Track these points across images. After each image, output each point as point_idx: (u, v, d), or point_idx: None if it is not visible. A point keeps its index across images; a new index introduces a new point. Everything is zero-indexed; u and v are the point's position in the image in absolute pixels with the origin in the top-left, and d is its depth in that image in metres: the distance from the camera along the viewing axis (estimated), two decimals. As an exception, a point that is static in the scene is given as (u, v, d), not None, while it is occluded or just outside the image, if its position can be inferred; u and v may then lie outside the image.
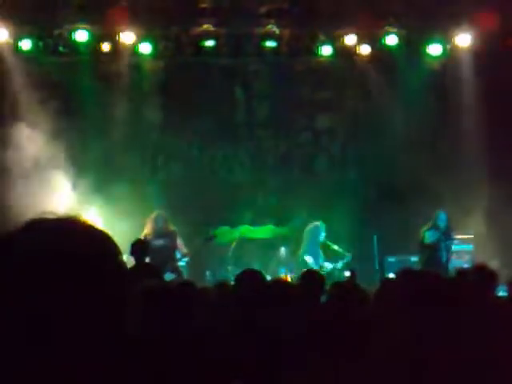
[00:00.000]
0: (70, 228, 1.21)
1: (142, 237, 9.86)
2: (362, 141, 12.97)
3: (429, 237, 10.76)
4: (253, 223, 12.31)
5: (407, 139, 12.31)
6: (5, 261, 1.14)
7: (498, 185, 11.53)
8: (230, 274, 10.33)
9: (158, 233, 10.30)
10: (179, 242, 10.52)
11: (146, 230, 10.37)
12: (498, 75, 12.00)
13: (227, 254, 11.29)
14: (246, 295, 3.62)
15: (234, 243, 11.37)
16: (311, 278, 5.89)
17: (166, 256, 9.91)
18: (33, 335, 1.10)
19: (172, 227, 10.54)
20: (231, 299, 3.77)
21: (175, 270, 10.09)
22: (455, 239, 11.03)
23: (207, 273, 11.45)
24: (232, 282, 5.52)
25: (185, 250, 10.58)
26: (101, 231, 1.23)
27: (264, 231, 12.26)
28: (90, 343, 1.13)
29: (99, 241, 1.22)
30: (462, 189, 11.73)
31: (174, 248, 10.37)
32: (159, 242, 10.06)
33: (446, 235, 10.84)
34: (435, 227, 10.81)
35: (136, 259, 8.16)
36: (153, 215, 10.54)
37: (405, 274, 2.28)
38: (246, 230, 12.03)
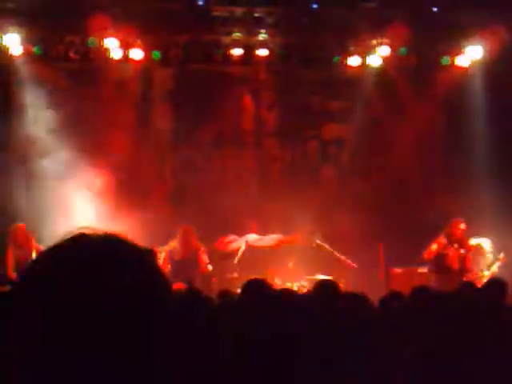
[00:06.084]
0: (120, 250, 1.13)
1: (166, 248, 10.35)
2: (370, 151, 12.99)
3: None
4: (259, 232, 12.27)
5: (417, 149, 12.31)
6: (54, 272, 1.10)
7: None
8: (237, 281, 10.31)
9: (183, 247, 10.53)
10: (204, 258, 10.71)
11: (174, 243, 10.60)
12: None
13: (233, 262, 11.28)
14: (252, 304, 3.62)
15: (241, 251, 11.36)
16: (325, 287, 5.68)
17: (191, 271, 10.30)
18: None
19: (197, 243, 10.73)
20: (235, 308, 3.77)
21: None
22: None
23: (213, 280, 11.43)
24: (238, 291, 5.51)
25: (207, 268, 10.76)
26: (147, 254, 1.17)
27: (270, 240, 12.21)
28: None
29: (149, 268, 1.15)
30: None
31: (197, 263, 10.60)
32: (184, 257, 10.41)
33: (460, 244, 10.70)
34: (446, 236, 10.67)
35: None
36: (180, 230, 10.69)
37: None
38: (253, 239, 12.00)
